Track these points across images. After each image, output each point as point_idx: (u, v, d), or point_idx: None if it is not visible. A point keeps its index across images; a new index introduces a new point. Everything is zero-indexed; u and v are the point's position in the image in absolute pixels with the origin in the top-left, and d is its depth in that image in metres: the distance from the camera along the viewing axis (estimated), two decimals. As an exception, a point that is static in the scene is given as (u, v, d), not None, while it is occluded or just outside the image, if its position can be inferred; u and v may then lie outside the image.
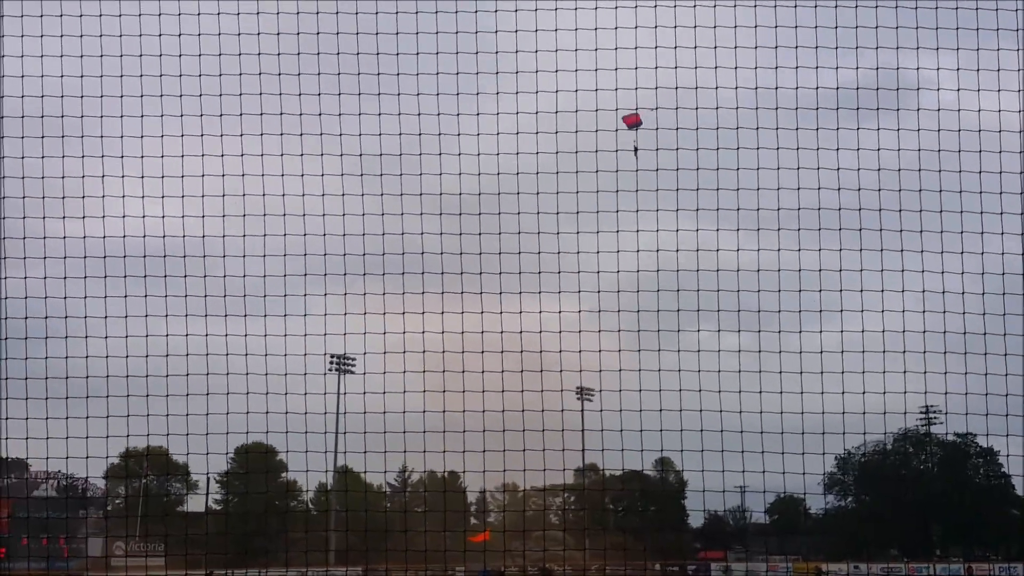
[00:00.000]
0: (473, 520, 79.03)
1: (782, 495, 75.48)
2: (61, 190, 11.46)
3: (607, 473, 70.59)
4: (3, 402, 11.60)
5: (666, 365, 14.11)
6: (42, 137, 11.05)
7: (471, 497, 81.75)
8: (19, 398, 11.59)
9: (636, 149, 18.14)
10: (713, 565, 75.84)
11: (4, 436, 11.75)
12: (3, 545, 63.30)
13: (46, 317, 11.73)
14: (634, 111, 17.12)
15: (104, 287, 11.69)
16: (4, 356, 11.73)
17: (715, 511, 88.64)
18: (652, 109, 14.44)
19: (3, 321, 11.83)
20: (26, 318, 11.56)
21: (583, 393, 66.27)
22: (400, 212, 11.58)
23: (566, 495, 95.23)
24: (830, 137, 14.95)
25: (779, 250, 14.64)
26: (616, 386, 13.08)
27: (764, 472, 14.31)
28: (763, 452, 14.03)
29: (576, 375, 13.12)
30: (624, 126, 18.43)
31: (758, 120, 14.49)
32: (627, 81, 13.81)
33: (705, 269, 14.06)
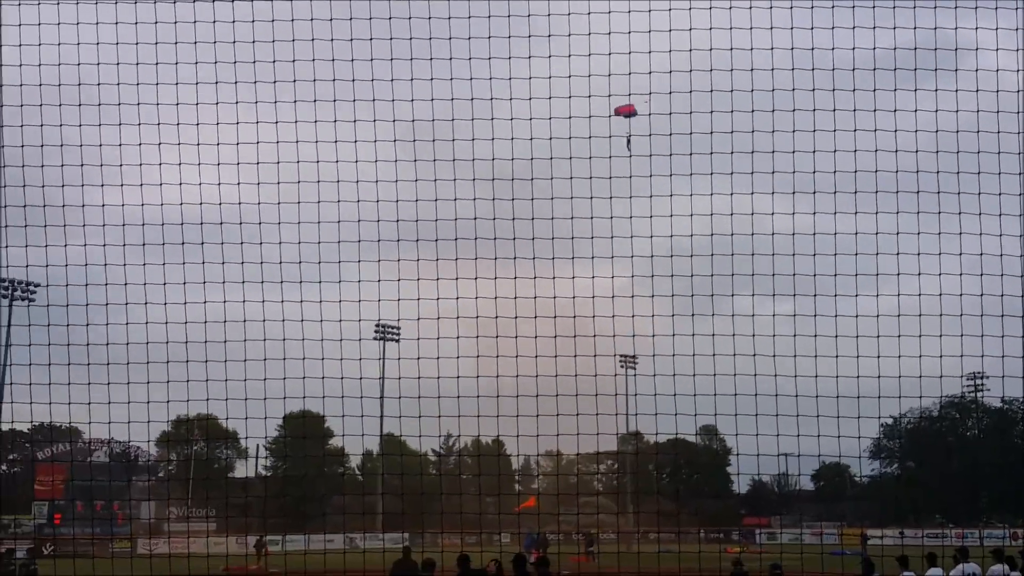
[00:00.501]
0: (518, 487, 79.53)
1: (827, 462, 75.08)
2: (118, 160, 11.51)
3: (650, 440, 70.59)
4: (67, 369, 11.77)
5: (709, 331, 13.91)
6: (98, 105, 11.08)
7: (516, 463, 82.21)
8: (81, 365, 11.75)
9: (629, 140, 17.60)
10: (758, 531, 75.76)
11: (67, 402, 11.90)
12: (59, 511, 64.97)
13: (106, 284, 11.82)
14: (628, 102, 16.64)
15: (162, 254, 11.79)
16: (67, 322, 11.89)
17: (759, 477, 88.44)
18: (707, 71, 14.02)
19: (65, 288, 11.96)
20: (86, 285, 11.67)
21: (626, 359, 66.15)
22: (453, 178, 11.52)
23: (610, 462, 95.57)
24: (887, 99, 14.54)
25: (835, 213, 14.34)
26: (659, 352, 12.91)
27: (806, 436, 14.05)
28: (798, 416, 13.78)
29: (619, 341, 12.97)
30: (622, 115, 17.96)
31: (814, 81, 14.12)
32: (672, 43, 13.48)
33: (758, 233, 13.78)
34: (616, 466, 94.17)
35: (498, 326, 11.48)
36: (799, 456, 15.61)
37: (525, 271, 11.41)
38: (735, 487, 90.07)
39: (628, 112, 18.39)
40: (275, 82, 11.14)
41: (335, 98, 11.14)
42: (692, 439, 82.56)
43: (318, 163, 11.04)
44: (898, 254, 14.59)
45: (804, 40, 14.30)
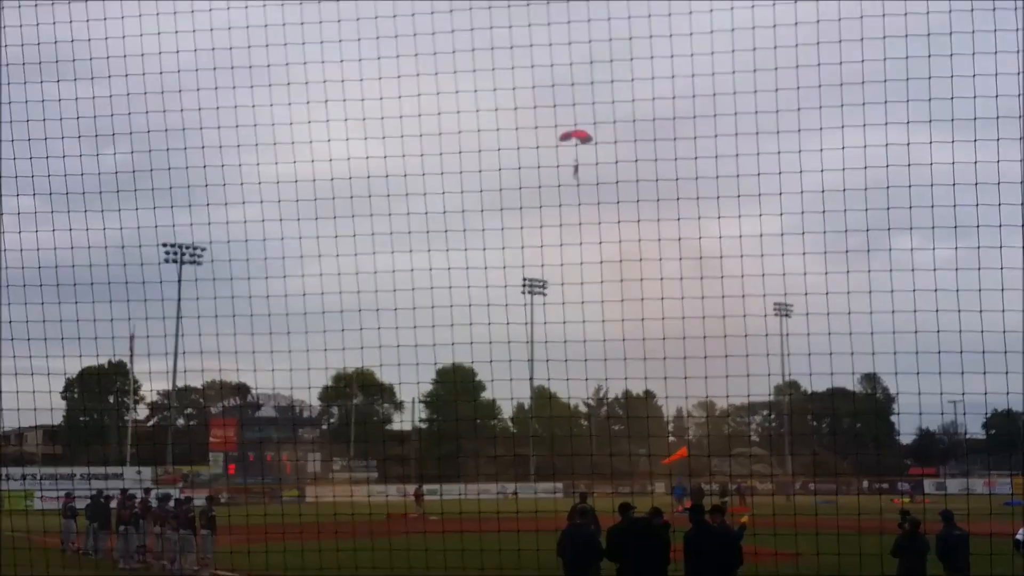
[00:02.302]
0: (671, 438, 79.39)
1: (998, 410, 71.64)
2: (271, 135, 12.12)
3: (807, 389, 69.14)
4: (233, 336, 12.61)
5: (869, 280, 13.36)
6: (249, 67, 11.67)
7: (667, 415, 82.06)
8: (245, 317, 12.54)
9: (576, 169, 16.65)
10: (926, 482, 73.18)
11: (235, 366, 12.78)
12: (232, 462, 68.96)
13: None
14: (574, 127, 15.69)
15: (314, 210, 12.37)
16: (231, 285, 12.70)
17: (926, 428, 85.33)
18: (857, 18, 13.31)
19: (227, 246, 12.74)
20: (246, 241, 12.34)
21: (780, 307, 64.70)
22: (592, 121, 11.60)
23: (765, 412, 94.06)
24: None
25: (998, 162, 13.54)
26: (815, 302, 12.52)
27: (971, 373, 13.43)
28: (961, 352, 13.10)
29: (771, 286, 12.65)
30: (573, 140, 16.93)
31: (973, 22, 13.28)
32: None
33: (915, 164, 13.08)
34: (772, 415, 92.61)
35: (642, 270, 11.51)
36: (964, 396, 14.87)
37: (669, 212, 11.35)
38: (900, 437, 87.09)
39: (581, 137, 17.34)
40: (414, 34, 11.43)
41: (473, 47, 11.31)
42: (851, 388, 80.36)
43: (458, 114, 11.29)
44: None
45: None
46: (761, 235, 12.27)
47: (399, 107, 11.71)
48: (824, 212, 12.49)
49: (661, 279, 11.41)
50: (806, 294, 12.30)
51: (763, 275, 11.89)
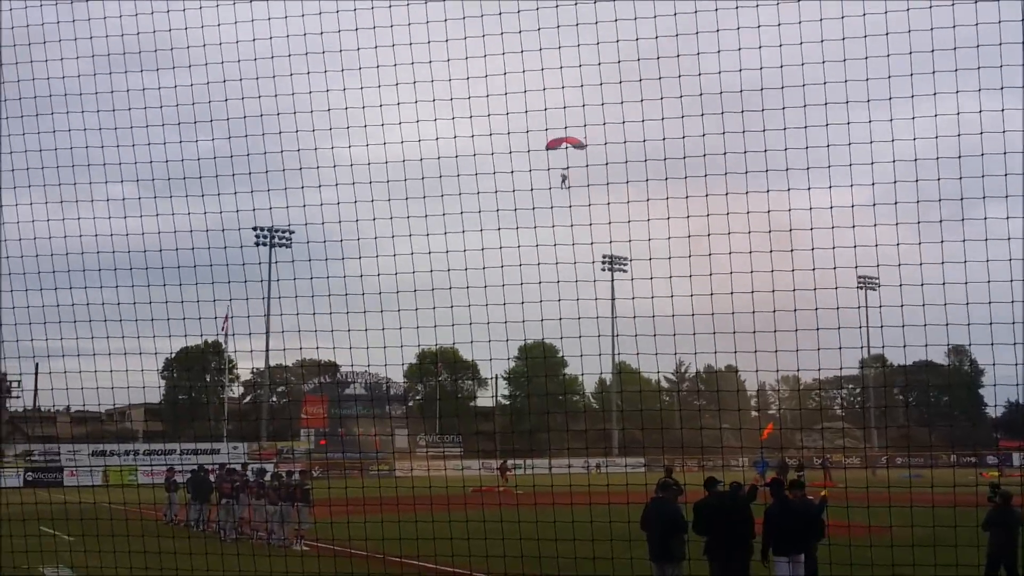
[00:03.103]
0: (754, 413, 78.63)
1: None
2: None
3: (894, 363, 67.73)
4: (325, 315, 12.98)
5: (954, 253, 13.09)
6: (339, 51, 11.94)
7: (750, 391, 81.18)
8: (338, 296, 12.89)
9: (564, 179, 16.00)
10: (1016, 455, 71.17)
11: (318, 345, 13.14)
12: (324, 437, 70.59)
13: (360, 238, 12.78)
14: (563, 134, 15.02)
15: (405, 190, 12.62)
16: (311, 276, 13.06)
17: (1016, 400, 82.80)
18: None
19: (322, 227, 13.09)
20: (339, 222, 12.65)
21: (865, 282, 63.40)
22: (660, 117, 11.54)
23: (851, 386, 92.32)
24: None
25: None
26: (900, 275, 12.31)
27: None
28: None
29: (854, 266, 12.49)
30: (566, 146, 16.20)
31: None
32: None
33: (1009, 130, 12.66)
34: (857, 389, 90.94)
35: (731, 243, 11.45)
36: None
37: (757, 184, 11.26)
38: (988, 409, 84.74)
39: (573, 144, 16.61)
40: (500, 14, 11.53)
41: (558, 24, 11.36)
42: (940, 360, 78.38)
43: (543, 90, 11.36)
44: None
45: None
46: (852, 206, 12.12)
47: (484, 87, 11.86)
48: (903, 182, 12.28)
49: (750, 252, 11.38)
50: (899, 265, 12.12)
51: (855, 247, 11.75)
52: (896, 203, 11.66)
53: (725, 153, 11.26)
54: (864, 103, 11.59)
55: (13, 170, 12.97)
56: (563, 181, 15.76)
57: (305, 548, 22.69)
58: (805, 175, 11.50)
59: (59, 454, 59.54)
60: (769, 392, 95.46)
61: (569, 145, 16.65)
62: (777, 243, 11.73)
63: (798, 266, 11.69)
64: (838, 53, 11.30)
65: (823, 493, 14.57)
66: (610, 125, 11.50)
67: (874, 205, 11.84)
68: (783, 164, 11.49)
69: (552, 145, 15.86)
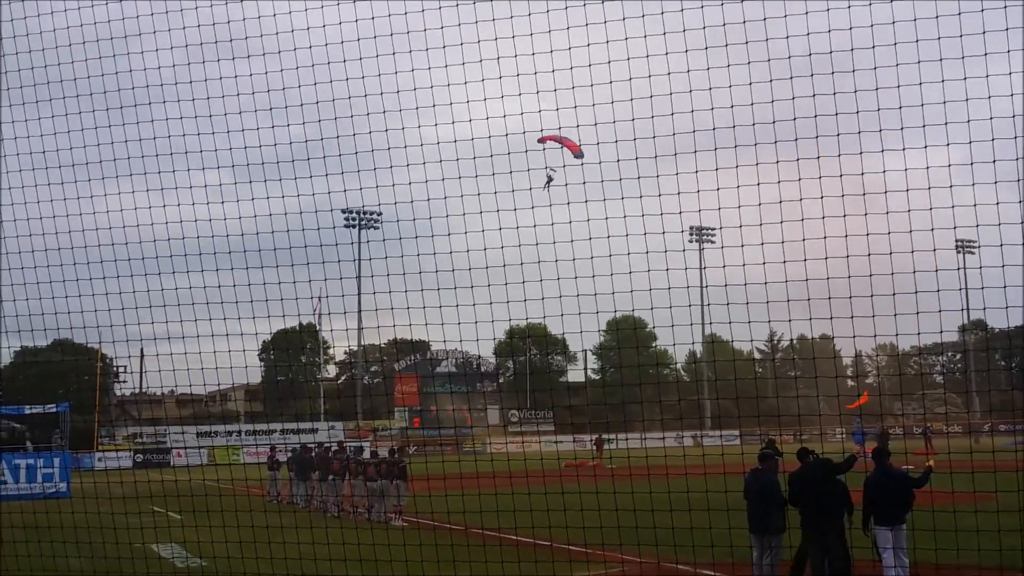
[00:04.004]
0: (850, 382, 77.07)
1: None
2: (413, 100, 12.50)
3: (995, 327, 65.51)
4: (409, 293, 13.17)
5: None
6: (424, 31, 12.05)
7: (846, 359, 79.52)
8: (429, 288, 13.08)
9: (549, 179, 15.39)
10: None
11: (408, 322, 13.32)
12: (416, 416, 71.71)
13: (445, 198, 12.90)
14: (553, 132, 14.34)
15: (492, 166, 12.70)
16: (401, 254, 13.25)
17: None
18: None
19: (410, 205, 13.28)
20: (428, 200, 12.81)
21: (963, 246, 61.30)
22: (748, 82, 11.35)
23: (950, 353, 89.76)
24: None
25: None
26: (1000, 235, 11.86)
27: None
28: None
29: (951, 231, 12.12)
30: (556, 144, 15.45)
31: None
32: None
33: None
34: (958, 356, 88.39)
35: (824, 207, 11.20)
36: None
37: (849, 146, 10.98)
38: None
39: (575, 152, 15.85)
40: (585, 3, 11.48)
41: (644, 13, 11.29)
42: (1045, 326, 75.61)
43: (627, 60, 11.26)
44: None
45: None
46: (949, 165, 11.74)
47: (568, 59, 11.82)
48: (1001, 140, 11.83)
49: (844, 216, 11.15)
50: (999, 224, 11.71)
51: (952, 207, 11.39)
52: (995, 161, 11.28)
53: (816, 116, 11.02)
54: (958, 59, 11.21)
55: (115, 160, 13.45)
56: (548, 181, 15.54)
57: (403, 523, 23.16)
58: (899, 135, 11.20)
59: (166, 435, 61.82)
60: (866, 360, 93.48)
61: (565, 148, 16.20)
62: (872, 206, 11.46)
63: (894, 229, 11.41)
64: (930, 10, 10.96)
65: (929, 463, 14.24)
66: (696, 92, 11.36)
67: (972, 164, 11.48)
68: (876, 125, 11.20)
69: (548, 140, 15.51)
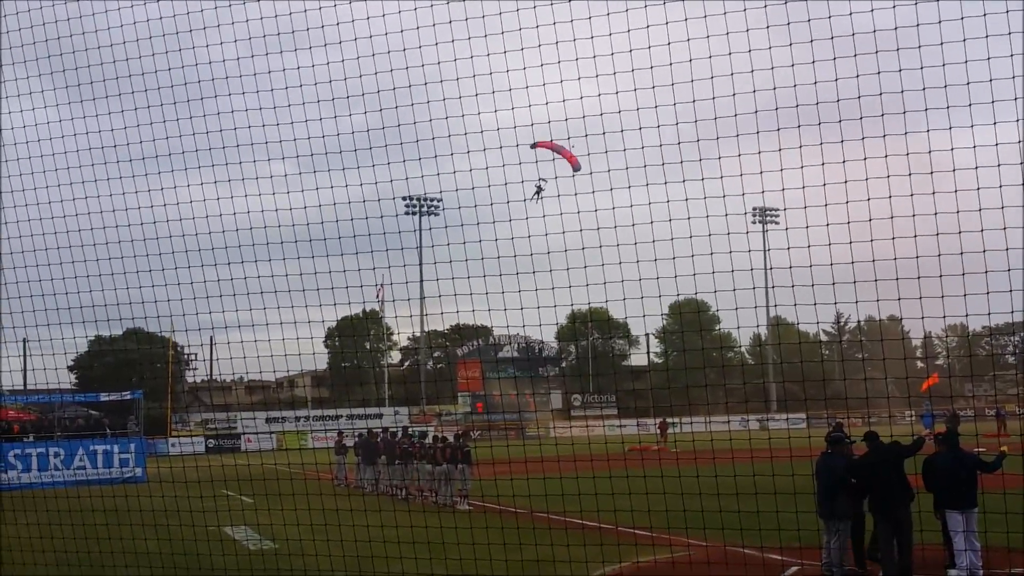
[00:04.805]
0: (920, 364, 75.61)
1: None
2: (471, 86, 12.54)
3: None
4: (468, 279, 13.27)
5: None
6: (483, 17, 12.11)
7: (915, 342, 78.02)
8: (487, 275, 13.17)
9: (539, 190, 14.78)
10: None
11: (471, 308, 13.43)
12: (479, 401, 72.15)
13: (505, 184, 12.99)
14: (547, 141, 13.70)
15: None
16: (464, 240, 13.36)
17: None
18: None
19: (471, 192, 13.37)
20: (489, 186, 12.88)
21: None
22: (811, 60, 11.18)
23: (1023, 334, 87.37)
24: None
25: None
26: None
27: None
28: None
29: (1021, 209, 11.80)
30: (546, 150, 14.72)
31: None
32: None
33: None
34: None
35: (890, 186, 10.98)
36: None
37: (916, 124, 10.75)
38: None
39: (573, 165, 15.14)
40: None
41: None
42: None
43: (687, 41, 11.17)
44: None
45: None
46: (1020, 141, 11.44)
47: (627, 42, 11.76)
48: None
49: (911, 195, 10.94)
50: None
51: (1023, 184, 11.11)
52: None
53: (881, 94, 10.83)
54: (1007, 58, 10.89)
55: (183, 152, 13.76)
56: (536, 192, 15.20)
57: (469, 507, 23.39)
58: (967, 112, 10.95)
59: (236, 421, 63.15)
60: (935, 341, 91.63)
61: (565, 159, 15.74)
62: (940, 184, 11.22)
63: (962, 207, 11.18)
64: (955, 11, 10.67)
65: (1003, 448, 13.98)
66: (758, 72, 11.23)
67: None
68: (943, 102, 10.96)
69: (543, 147, 15.12)
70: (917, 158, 11.12)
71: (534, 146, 14.80)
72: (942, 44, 10.60)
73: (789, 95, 11.01)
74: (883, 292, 11.92)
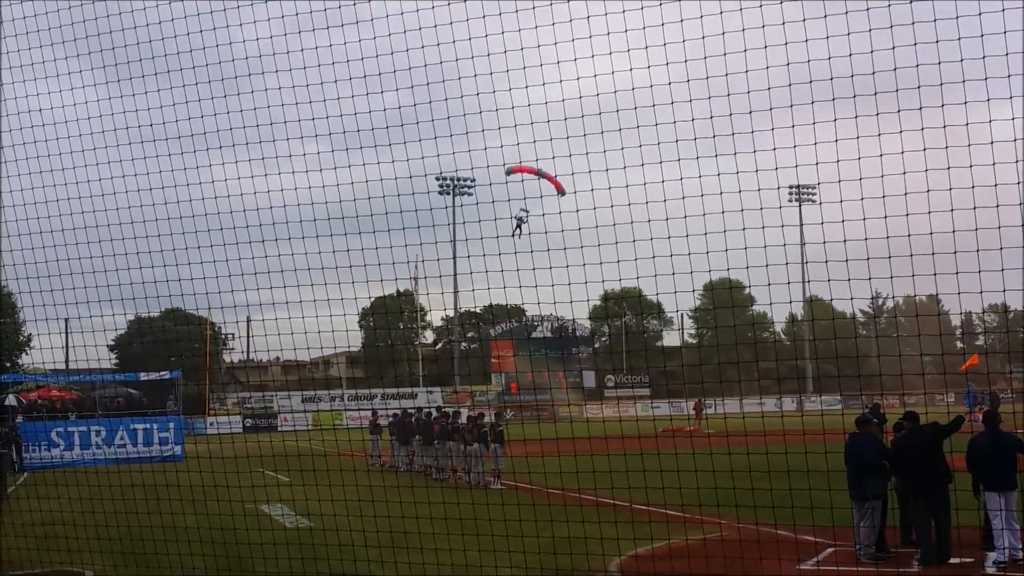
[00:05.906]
0: (959, 344, 74.67)
1: None
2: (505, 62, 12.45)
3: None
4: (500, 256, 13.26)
5: None
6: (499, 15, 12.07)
7: (954, 320, 77.02)
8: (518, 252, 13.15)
9: (521, 222, 14.21)
10: None
11: (503, 285, 13.40)
12: (513, 381, 72.32)
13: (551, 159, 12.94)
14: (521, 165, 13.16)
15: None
16: (495, 217, 13.33)
17: None
18: None
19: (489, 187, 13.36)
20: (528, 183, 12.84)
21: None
22: (846, 32, 11.00)
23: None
24: None
25: None
26: None
27: None
28: None
29: None
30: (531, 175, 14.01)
31: None
32: None
33: None
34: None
35: (927, 159, 10.78)
36: None
37: (953, 96, 10.54)
38: None
39: (559, 190, 14.51)
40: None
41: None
42: None
43: (720, 14, 11.05)
44: None
45: None
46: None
47: (659, 15, 11.63)
48: None
49: (948, 168, 10.76)
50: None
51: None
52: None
53: (917, 65, 10.64)
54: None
55: (218, 131, 13.83)
56: (518, 226, 14.67)
57: (501, 486, 23.50)
58: (1006, 83, 10.73)
59: (273, 400, 63.83)
60: (975, 320, 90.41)
61: (548, 182, 15.21)
62: (977, 157, 11.03)
63: (1000, 181, 10.97)
64: None
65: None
66: (792, 45, 11.07)
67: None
68: (980, 73, 10.76)
69: (521, 171, 14.63)
70: (954, 131, 10.93)
71: (510, 172, 14.40)
72: (980, 15, 10.41)
73: (823, 68, 10.87)
74: (919, 268, 11.72)
